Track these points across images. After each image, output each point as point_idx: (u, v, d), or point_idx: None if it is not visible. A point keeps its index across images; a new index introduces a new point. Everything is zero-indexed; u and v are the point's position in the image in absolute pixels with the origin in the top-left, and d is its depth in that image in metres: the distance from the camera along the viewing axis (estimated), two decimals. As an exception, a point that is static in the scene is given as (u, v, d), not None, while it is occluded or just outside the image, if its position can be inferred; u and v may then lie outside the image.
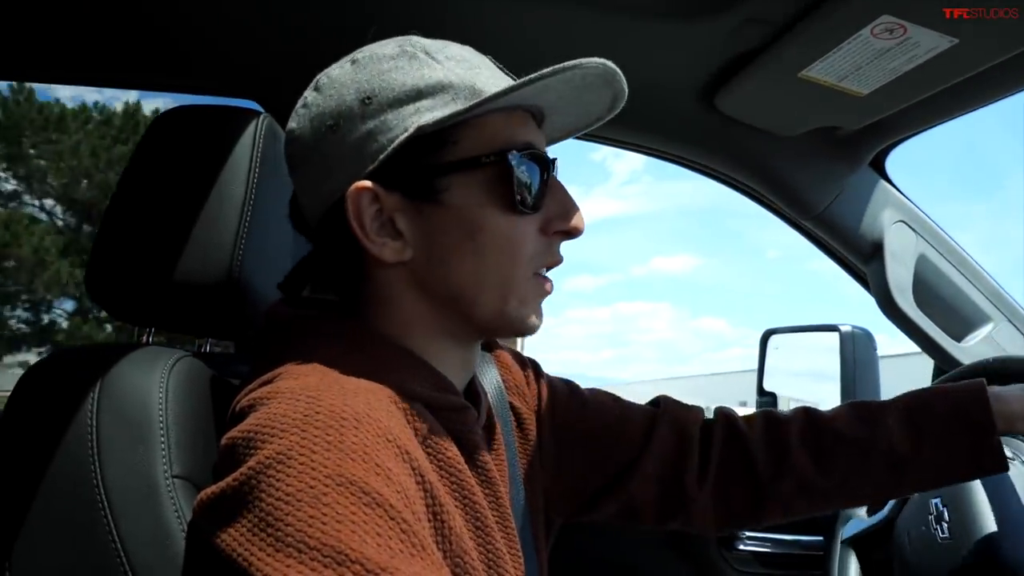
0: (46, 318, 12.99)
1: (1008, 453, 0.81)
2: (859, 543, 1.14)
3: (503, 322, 0.63)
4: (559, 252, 0.65)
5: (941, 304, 1.33)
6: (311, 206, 0.63)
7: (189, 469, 0.64)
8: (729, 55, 1.09)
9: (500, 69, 0.65)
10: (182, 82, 1.29)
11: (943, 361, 1.30)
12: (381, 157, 0.58)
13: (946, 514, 0.93)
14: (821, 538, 1.37)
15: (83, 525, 0.60)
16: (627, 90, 0.64)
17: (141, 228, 0.76)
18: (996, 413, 0.75)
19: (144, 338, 0.83)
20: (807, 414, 0.82)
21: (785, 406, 1.66)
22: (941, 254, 1.32)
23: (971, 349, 1.30)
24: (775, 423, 0.82)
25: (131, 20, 1.12)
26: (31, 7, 1.09)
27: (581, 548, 1.40)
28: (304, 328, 0.62)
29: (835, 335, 1.42)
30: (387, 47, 0.62)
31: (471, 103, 0.58)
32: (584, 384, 0.87)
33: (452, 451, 0.57)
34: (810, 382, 1.62)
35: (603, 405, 0.83)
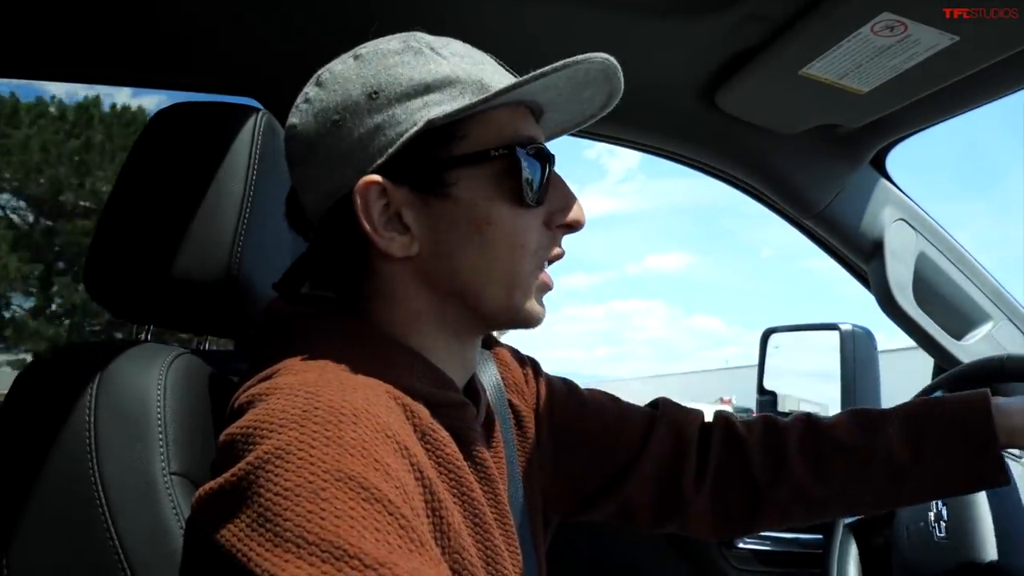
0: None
1: (1016, 454, 0.81)
2: (859, 529, 1.14)
3: (508, 315, 0.63)
4: (561, 245, 0.66)
5: (941, 302, 1.33)
6: (314, 202, 0.63)
7: (187, 466, 0.64)
8: (729, 53, 1.09)
9: (502, 66, 0.66)
10: (182, 79, 1.29)
11: (943, 359, 1.30)
12: (390, 151, 0.58)
13: (945, 514, 0.93)
14: (820, 536, 1.37)
15: (81, 522, 0.60)
16: (623, 87, 0.65)
17: (139, 225, 0.76)
18: (998, 426, 0.74)
19: (143, 335, 0.82)
20: (807, 421, 0.82)
21: (785, 405, 1.66)
22: (941, 252, 1.32)
23: (971, 347, 1.30)
24: (774, 429, 0.82)
25: (132, 17, 1.12)
26: (31, 4, 1.09)
27: (580, 547, 1.40)
28: (303, 325, 0.62)
29: (835, 334, 1.42)
30: (391, 43, 0.62)
31: (479, 98, 0.58)
32: (578, 382, 0.87)
33: (451, 447, 0.57)
34: (810, 381, 1.62)
35: (602, 406, 0.83)
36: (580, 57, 0.58)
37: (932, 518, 0.95)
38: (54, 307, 14.09)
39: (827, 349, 1.43)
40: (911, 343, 1.31)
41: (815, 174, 1.30)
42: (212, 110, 0.81)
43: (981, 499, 0.90)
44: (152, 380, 0.66)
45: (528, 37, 1.10)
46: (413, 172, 0.60)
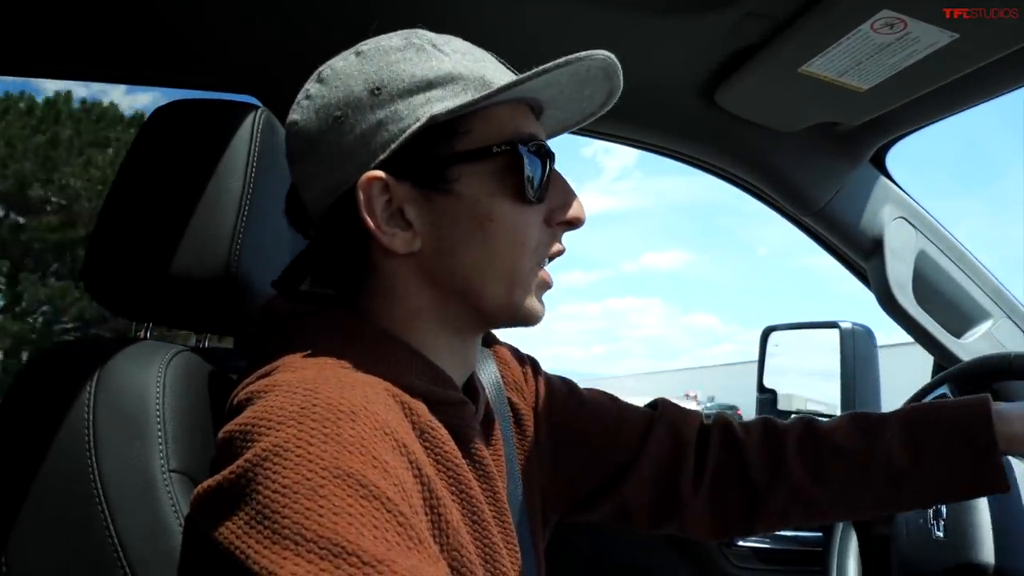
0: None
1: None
2: (860, 526, 1.14)
3: (509, 312, 0.63)
4: (561, 242, 0.66)
5: (941, 300, 1.32)
6: (315, 199, 0.63)
7: (186, 464, 0.64)
8: (729, 50, 1.09)
9: (503, 64, 0.66)
10: (181, 77, 1.29)
11: (942, 357, 1.30)
12: (393, 147, 0.58)
13: (944, 512, 0.93)
14: (821, 534, 1.37)
15: (80, 520, 0.60)
16: (623, 86, 0.65)
17: (138, 222, 0.76)
18: (998, 433, 0.73)
19: (142, 333, 0.82)
20: (806, 424, 0.82)
21: (792, 405, 1.67)
22: (941, 250, 1.32)
23: (971, 346, 1.29)
24: (773, 431, 0.82)
25: (131, 15, 1.12)
26: (29, 2, 1.09)
27: (580, 546, 1.40)
28: (302, 322, 0.62)
29: (835, 332, 1.42)
30: (393, 39, 0.63)
31: (481, 94, 0.58)
32: (574, 379, 0.87)
33: (449, 445, 0.57)
34: (810, 379, 1.62)
35: (601, 406, 0.83)
36: (582, 54, 0.58)
37: (931, 515, 0.95)
38: (24, 304, 14.03)
39: (827, 347, 1.43)
40: (909, 338, 1.31)
41: (815, 172, 1.30)
42: (211, 107, 0.81)
43: (980, 499, 0.90)
44: (151, 378, 0.66)
45: (528, 36, 1.10)
46: (416, 168, 0.60)
